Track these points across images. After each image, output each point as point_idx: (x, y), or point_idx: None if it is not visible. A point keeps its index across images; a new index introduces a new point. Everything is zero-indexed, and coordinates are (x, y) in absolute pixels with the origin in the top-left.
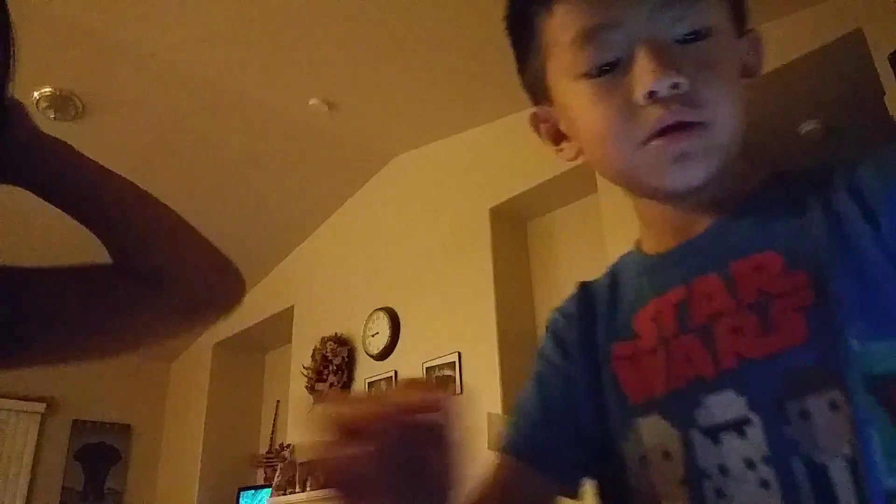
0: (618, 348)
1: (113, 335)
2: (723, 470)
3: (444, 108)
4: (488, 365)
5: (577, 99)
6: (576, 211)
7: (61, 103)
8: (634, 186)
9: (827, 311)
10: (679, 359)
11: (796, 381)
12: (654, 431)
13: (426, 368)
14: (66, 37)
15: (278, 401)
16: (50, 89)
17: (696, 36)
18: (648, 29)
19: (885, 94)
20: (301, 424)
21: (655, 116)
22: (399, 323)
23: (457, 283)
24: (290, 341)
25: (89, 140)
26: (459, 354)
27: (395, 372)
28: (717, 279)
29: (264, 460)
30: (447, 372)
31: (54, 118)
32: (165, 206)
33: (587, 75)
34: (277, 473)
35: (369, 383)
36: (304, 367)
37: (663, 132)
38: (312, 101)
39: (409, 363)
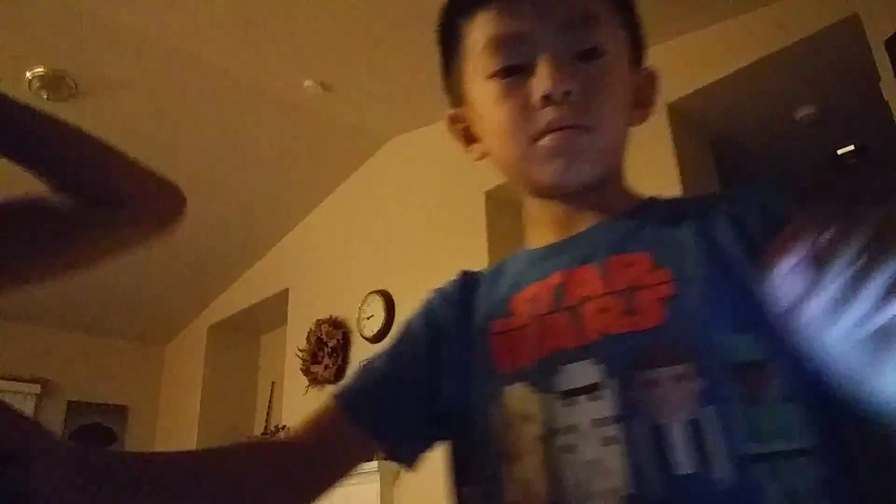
0: (494, 325)
1: (70, 256)
2: (574, 428)
3: (439, 91)
4: None
5: (485, 97)
6: None
7: (54, 83)
8: (527, 182)
9: (686, 303)
10: (549, 333)
11: (648, 355)
12: (518, 397)
13: None
14: (59, 17)
15: (273, 383)
16: (43, 69)
17: (591, 55)
18: (552, 43)
19: (880, 79)
20: (296, 407)
21: (549, 117)
22: (394, 306)
23: (452, 266)
24: (285, 324)
25: (82, 120)
26: None
27: None
28: (594, 269)
29: None
30: None
31: (47, 98)
32: (92, 135)
33: (495, 75)
34: None
35: None
36: (298, 350)
37: (554, 131)
38: (307, 83)
39: None
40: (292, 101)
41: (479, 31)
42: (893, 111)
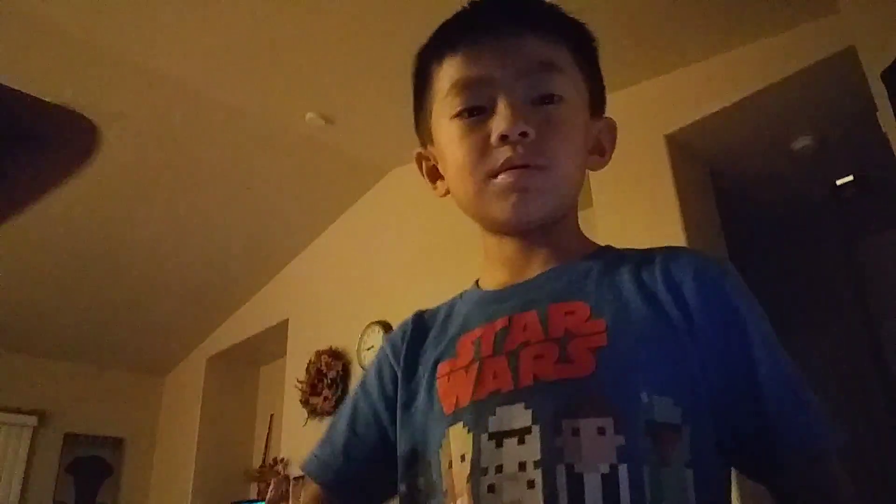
0: (441, 367)
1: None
2: (499, 469)
3: None
4: None
5: (448, 135)
6: None
7: None
8: (483, 218)
9: (616, 356)
10: (487, 375)
11: (575, 404)
12: (457, 437)
13: None
14: (66, 51)
15: (272, 414)
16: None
17: (548, 100)
18: (511, 87)
19: (877, 110)
20: (295, 439)
21: (505, 156)
22: None
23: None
24: (284, 355)
25: None
26: None
27: None
28: (535, 316)
29: (258, 474)
30: None
31: None
32: None
33: (458, 115)
34: (271, 488)
35: None
36: (298, 381)
37: (509, 169)
38: (309, 116)
39: None
40: (294, 132)
41: (446, 75)
42: (891, 142)
